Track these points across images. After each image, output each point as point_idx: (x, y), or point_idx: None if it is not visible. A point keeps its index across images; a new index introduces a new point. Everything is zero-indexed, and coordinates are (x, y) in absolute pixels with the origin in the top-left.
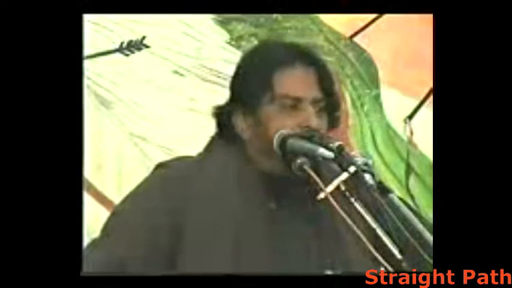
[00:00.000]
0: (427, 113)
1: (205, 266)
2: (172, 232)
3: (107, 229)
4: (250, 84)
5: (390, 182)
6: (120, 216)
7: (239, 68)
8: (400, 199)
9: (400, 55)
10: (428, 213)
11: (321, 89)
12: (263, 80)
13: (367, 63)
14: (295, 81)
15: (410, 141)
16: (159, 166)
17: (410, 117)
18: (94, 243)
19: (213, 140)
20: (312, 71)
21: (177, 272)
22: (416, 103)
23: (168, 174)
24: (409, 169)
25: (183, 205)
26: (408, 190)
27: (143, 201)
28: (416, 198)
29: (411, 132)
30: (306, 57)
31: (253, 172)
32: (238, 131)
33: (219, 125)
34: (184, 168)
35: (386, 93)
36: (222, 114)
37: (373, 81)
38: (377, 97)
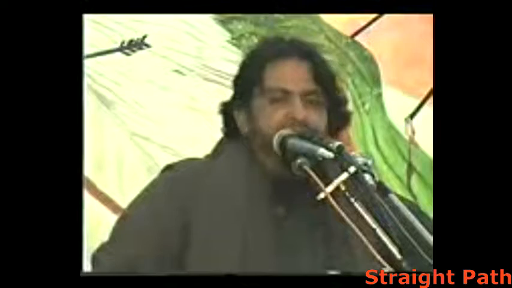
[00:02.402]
0: (428, 112)
1: (213, 267)
2: (181, 234)
3: (116, 233)
4: (244, 78)
5: (392, 181)
6: (130, 219)
7: (240, 64)
8: (402, 198)
9: (402, 54)
10: (430, 213)
11: (314, 81)
12: (255, 73)
13: (368, 62)
14: (284, 74)
15: (411, 140)
16: (167, 168)
17: (411, 116)
18: (103, 247)
19: (220, 142)
20: (306, 64)
21: (183, 272)
22: (417, 102)
23: (176, 176)
24: (410, 168)
25: (192, 207)
26: (410, 189)
27: (152, 203)
28: (418, 197)
29: (413, 131)
30: (300, 50)
31: (260, 173)
32: (239, 127)
33: (224, 121)
34: (192, 170)
35: (388, 92)
36: (225, 110)
37: (375, 80)
38: (378, 96)
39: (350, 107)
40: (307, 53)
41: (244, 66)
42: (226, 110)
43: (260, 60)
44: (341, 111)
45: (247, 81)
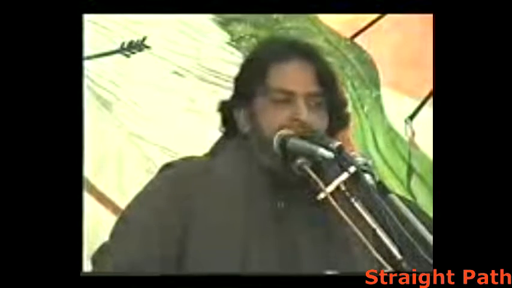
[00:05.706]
0: (428, 113)
1: (213, 266)
2: (181, 232)
3: (116, 233)
4: (247, 77)
5: (392, 183)
6: (129, 219)
7: (242, 63)
8: (402, 198)
9: (401, 55)
10: (430, 214)
11: (318, 84)
12: (259, 72)
13: (367, 64)
14: (289, 75)
15: (411, 142)
16: (165, 167)
17: (411, 117)
18: (104, 248)
19: (219, 141)
20: (310, 66)
21: (183, 272)
22: (417, 103)
23: (175, 175)
24: (410, 170)
25: (191, 205)
26: (410, 191)
27: (151, 202)
28: (418, 198)
29: (413, 133)
30: (305, 52)
31: (259, 171)
32: (239, 126)
33: (223, 120)
34: (191, 168)
35: (387, 94)
36: (224, 109)
37: (374, 82)
38: (378, 98)
39: (349, 109)
40: (310, 54)
41: (246, 66)
42: (226, 108)
43: (263, 61)
44: (341, 113)
45: (250, 81)
